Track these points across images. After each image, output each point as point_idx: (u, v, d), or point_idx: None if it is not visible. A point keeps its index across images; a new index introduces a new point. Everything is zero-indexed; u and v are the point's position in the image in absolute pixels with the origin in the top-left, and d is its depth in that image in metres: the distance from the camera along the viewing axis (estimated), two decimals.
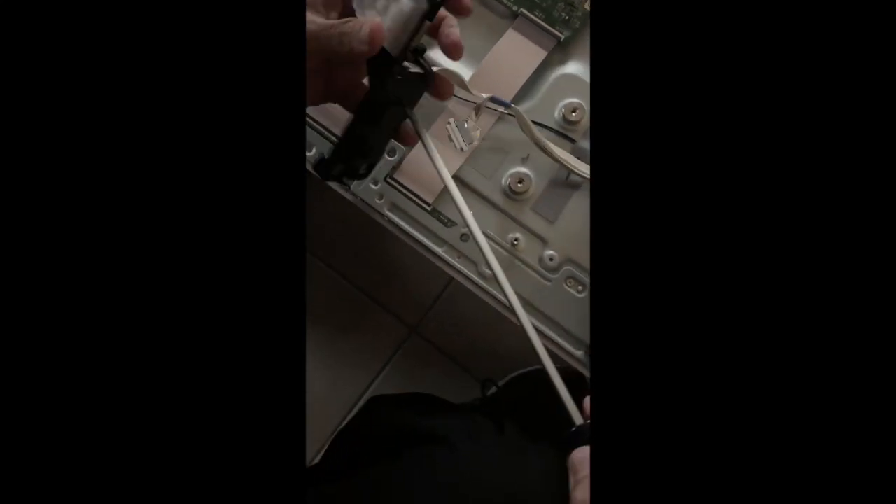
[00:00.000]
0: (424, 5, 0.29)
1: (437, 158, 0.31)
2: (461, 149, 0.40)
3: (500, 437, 0.38)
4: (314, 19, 0.29)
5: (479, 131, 0.39)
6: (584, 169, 0.40)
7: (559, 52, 0.43)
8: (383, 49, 0.30)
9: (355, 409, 0.74)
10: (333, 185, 0.41)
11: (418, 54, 0.31)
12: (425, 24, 0.29)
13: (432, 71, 0.32)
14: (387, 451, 0.35)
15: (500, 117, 0.42)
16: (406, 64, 0.31)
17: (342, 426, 0.45)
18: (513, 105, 0.38)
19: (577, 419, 0.28)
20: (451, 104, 0.42)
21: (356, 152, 0.35)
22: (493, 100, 0.38)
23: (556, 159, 0.40)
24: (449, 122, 0.40)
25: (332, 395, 0.74)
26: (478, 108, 0.37)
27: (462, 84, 0.34)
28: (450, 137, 0.39)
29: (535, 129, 0.39)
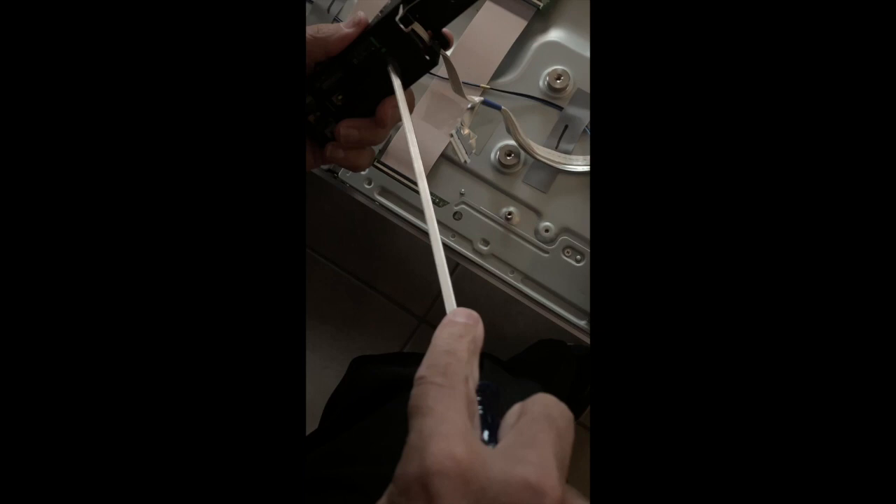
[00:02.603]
0: None
1: (406, 117, 0.31)
2: (465, 161, 0.40)
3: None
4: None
5: (475, 139, 0.39)
6: (567, 163, 0.40)
7: (539, 20, 0.42)
8: None
9: None
10: (319, 173, 0.41)
11: (439, 39, 0.31)
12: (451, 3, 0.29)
13: (437, 55, 0.32)
14: (374, 403, 0.36)
15: (483, 92, 0.41)
16: (420, 33, 0.30)
17: (334, 390, 0.46)
18: (503, 108, 0.38)
19: (450, 306, 0.24)
20: (436, 83, 0.41)
21: (338, 86, 0.33)
22: (485, 103, 0.38)
23: (542, 160, 0.40)
24: (451, 135, 0.40)
25: None
26: (472, 108, 0.37)
27: (458, 85, 0.34)
28: (454, 151, 0.39)
29: (521, 132, 0.39)
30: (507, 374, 0.39)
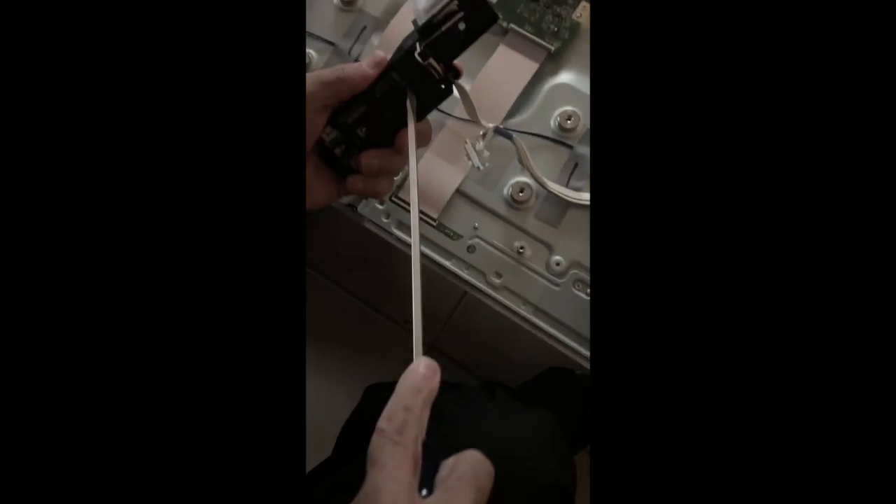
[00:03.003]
0: None
1: (413, 140, 0.34)
2: (478, 168, 0.41)
3: (491, 402, 0.39)
4: (318, 72, 0.35)
5: (487, 154, 0.41)
6: (576, 196, 0.42)
7: (550, 63, 0.44)
8: (415, 25, 0.34)
9: None
10: (339, 207, 0.43)
11: (451, 72, 0.35)
12: (459, 18, 0.33)
13: (452, 85, 0.35)
14: None
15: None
16: (434, 66, 0.34)
17: (348, 418, 0.47)
18: (515, 137, 0.40)
19: (417, 352, 0.28)
20: (452, 122, 0.43)
21: (362, 119, 0.36)
22: (496, 131, 0.40)
23: (550, 191, 0.41)
24: (466, 142, 0.41)
25: None
26: (485, 135, 0.38)
27: (473, 111, 0.37)
28: (467, 156, 0.40)
29: (532, 163, 0.41)
30: (519, 402, 0.40)
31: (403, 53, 0.34)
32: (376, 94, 0.35)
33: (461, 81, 0.36)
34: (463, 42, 0.34)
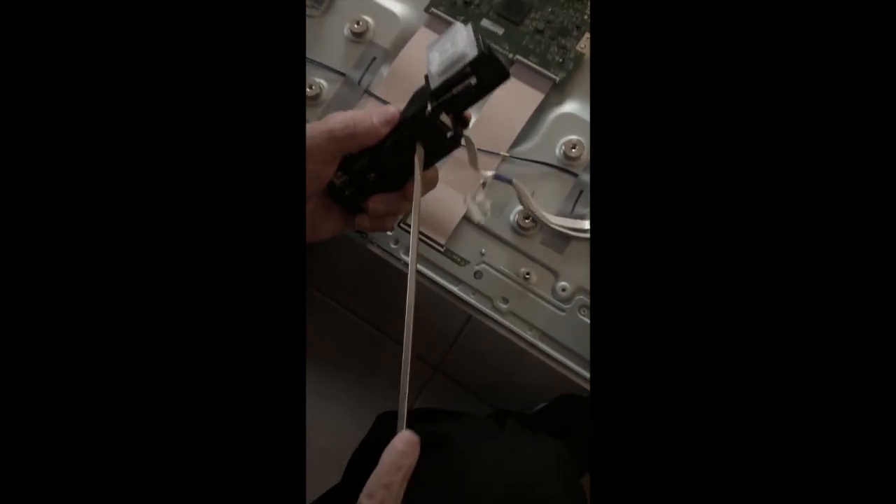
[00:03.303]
0: (473, 53, 0.32)
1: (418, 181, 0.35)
2: (479, 222, 0.42)
3: (501, 432, 0.40)
4: (329, 124, 0.35)
5: (489, 203, 0.42)
6: (576, 228, 0.43)
7: (555, 93, 0.45)
8: (427, 80, 0.34)
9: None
10: (349, 233, 0.44)
11: (460, 121, 0.35)
12: (471, 83, 0.33)
13: (460, 137, 0.35)
14: None
15: (504, 159, 0.44)
16: (444, 120, 0.34)
17: (357, 447, 0.47)
18: (515, 181, 0.41)
19: (401, 425, 0.30)
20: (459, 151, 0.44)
21: (371, 166, 0.37)
22: (496, 177, 0.41)
23: (554, 226, 0.42)
24: (466, 198, 0.42)
25: (359, 437, 0.75)
26: (484, 184, 0.40)
27: (475, 160, 0.38)
28: (469, 210, 0.42)
29: (533, 202, 0.42)
30: (529, 431, 0.40)
31: (415, 112, 0.34)
32: (385, 145, 0.35)
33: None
34: (474, 97, 0.34)
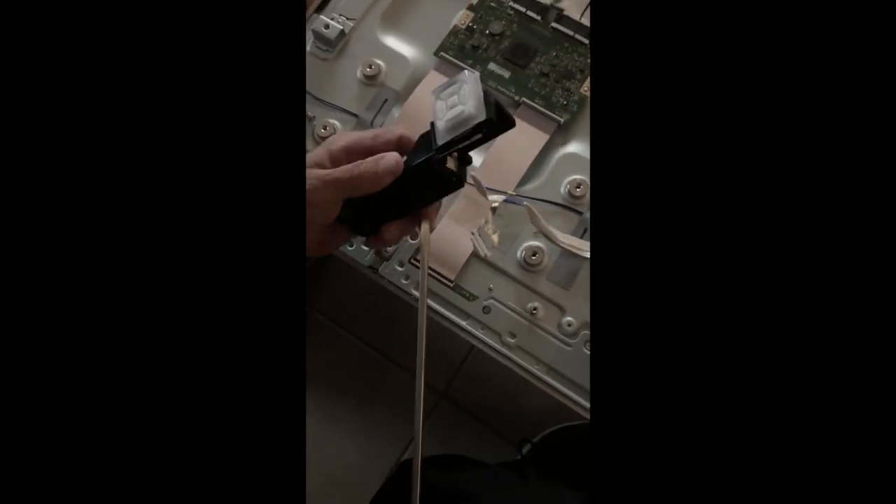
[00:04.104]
0: (482, 117, 0.33)
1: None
2: (485, 255, 0.44)
3: (524, 487, 0.40)
4: (335, 175, 0.35)
5: (497, 234, 0.43)
6: (587, 245, 0.44)
7: (560, 134, 0.47)
8: (433, 127, 0.35)
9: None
10: (361, 269, 0.45)
11: (464, 163, 0.36)
12: (477, 138, 0.34)
13: (464, 178, 0.36)
14: None
15: (510, 198, 0.46)
16: (449, 165, 0.35)
17: (377, 492, 0.48)
18: (526, 203, 0.42)
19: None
20: (468, 188, 0.46)
21: (376, 201, 0.37)
22: (507, 201, 0.43)
23: (562, 246, 0.44)
24: (472, 233, 0.44)
25: (365, 463, 0.75)
26: (493, 211, 0.41)
27: (482, 192, 0.40)
28: (474, 245, 0.43)
29: (544, 222, 0.43)
30: (551, 482, 0.41)
31: (420, 163, 0.35)
32: (389, 192, 0.36)
33: (474, 151, 0.37)
34: (478, 143, 0.35)
